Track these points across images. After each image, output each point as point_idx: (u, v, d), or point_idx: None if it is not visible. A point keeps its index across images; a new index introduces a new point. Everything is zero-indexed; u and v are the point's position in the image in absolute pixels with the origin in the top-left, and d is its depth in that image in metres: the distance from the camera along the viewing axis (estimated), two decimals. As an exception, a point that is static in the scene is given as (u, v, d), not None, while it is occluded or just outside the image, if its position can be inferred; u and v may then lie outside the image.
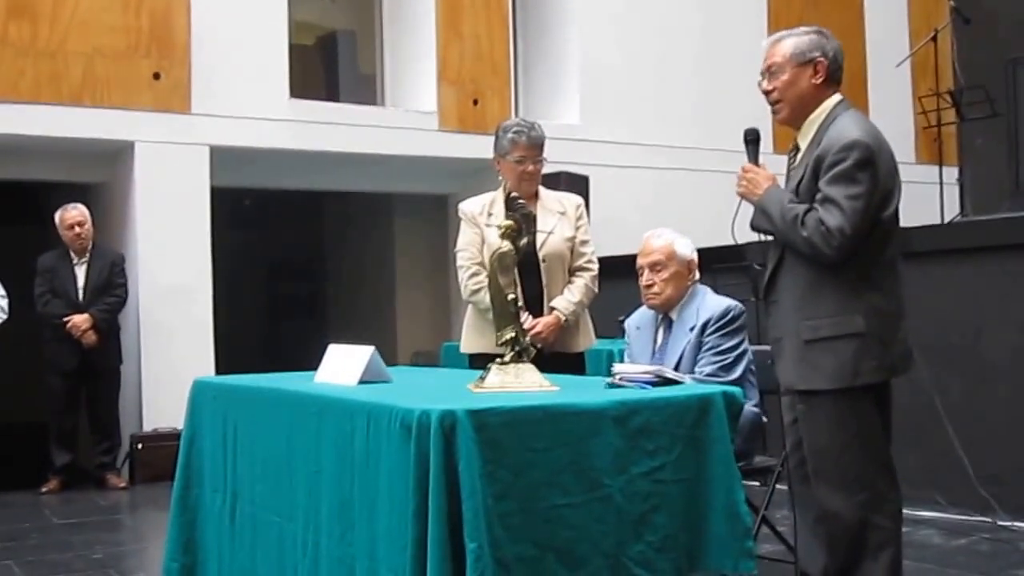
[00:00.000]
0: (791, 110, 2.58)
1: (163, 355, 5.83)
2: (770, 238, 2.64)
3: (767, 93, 2.60)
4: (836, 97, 2.58)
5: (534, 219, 3.31)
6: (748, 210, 2.63)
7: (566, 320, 3.34)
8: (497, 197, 3.40)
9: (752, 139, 2.67)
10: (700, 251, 3.28)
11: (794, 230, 2.45)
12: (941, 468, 4.27)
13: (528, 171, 3.36)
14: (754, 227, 2.60)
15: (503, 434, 1.97)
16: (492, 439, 1.95)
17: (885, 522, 2.52)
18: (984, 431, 4.21)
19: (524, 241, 2.40)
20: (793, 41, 2.58)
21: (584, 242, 3.46)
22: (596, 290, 3.46)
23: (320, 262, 9.45)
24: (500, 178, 3.43)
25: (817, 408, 2.52)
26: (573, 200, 3.52)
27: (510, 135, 3.37)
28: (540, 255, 3.34)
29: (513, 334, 2.34)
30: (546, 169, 3.53)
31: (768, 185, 2.57)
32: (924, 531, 4.00)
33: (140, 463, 5.72)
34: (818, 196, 2.46)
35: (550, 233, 3.36)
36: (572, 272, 3.43)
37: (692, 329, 3.13)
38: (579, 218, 3.45)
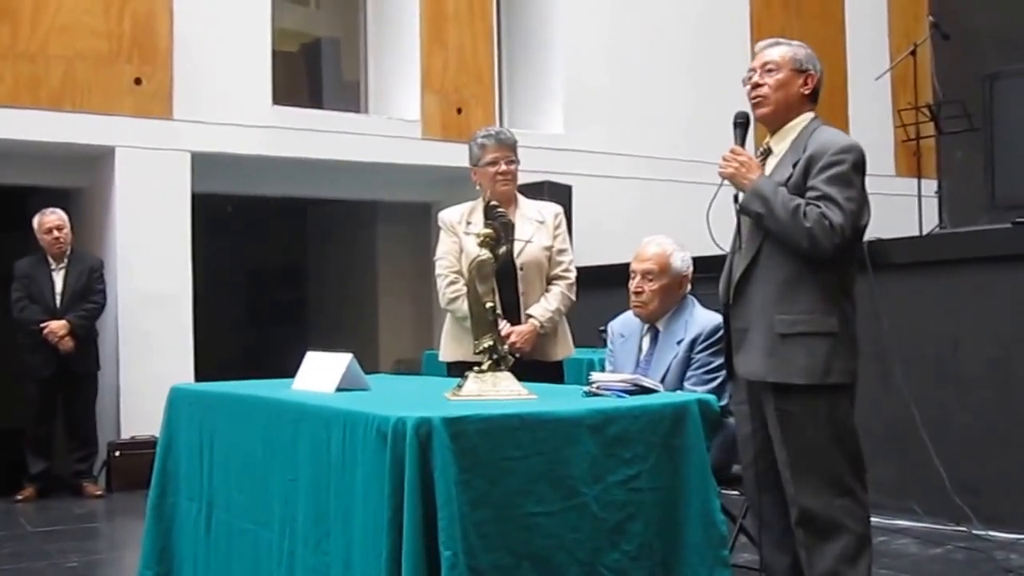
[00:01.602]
0: (774, 108, 2.63)
1: (142, 362, 5.78)
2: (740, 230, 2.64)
3: (757, 87, 2.63)
4: (812, 113, 2.67)
5: (512, 227, 3.32)
6: (725, 196, 2.63)
7: (542, 328, 3.35)
8: (476, 206, 3.41)
9: (742, 122, 2.69)
10: (684, 261, 3.27)
11: (796, 220, 2.46)
12: (917, 478, 4.30)
13: (502, 171, 3.38)
14: (743, 210, 2.59)
15: (479, 442, 1.97)
16: (468, 447, 1.95)
17: (860, 528, 2.55)
18: (960, 441, 4.24)
19: (502, 250, 2.40)
20: (791, 49, 2.66)
21: (562, 251, 3.47)
22: (573, 298, 3.47)
23: (302, 269, 9.42)
24: (478, 188, 3.45)
25: (794, 407, 2.53)
26: (552, 209, 3.54)
27: (479, 141, 3.42)
28: (518, 263, 3.35)
29: (491, 342, 2.35)
30: (529, 178, 3.55)
31: (760, 171, 2.58)
32: (900, 540, 4.02)
33: (117, 471, 5.67)
34: (813, 194, 2.49)
35: (528, 242, 3.37)
36: (549, 281, 3.44)
37: (680, 343, 3.12)
38: (557, 227, 3.47)
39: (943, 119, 6.08)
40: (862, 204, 2.51)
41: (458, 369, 3.01)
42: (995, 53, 6.57)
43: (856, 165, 2.51)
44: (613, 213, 6.97)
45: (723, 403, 2.86)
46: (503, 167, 3.39)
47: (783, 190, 2.51)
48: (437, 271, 3.45)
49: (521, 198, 3.52)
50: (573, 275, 3.48)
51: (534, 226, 3.43)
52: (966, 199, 6.24)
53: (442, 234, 3.49)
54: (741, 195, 2.59)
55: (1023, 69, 5.05)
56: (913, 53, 6.46)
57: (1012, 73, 5.07)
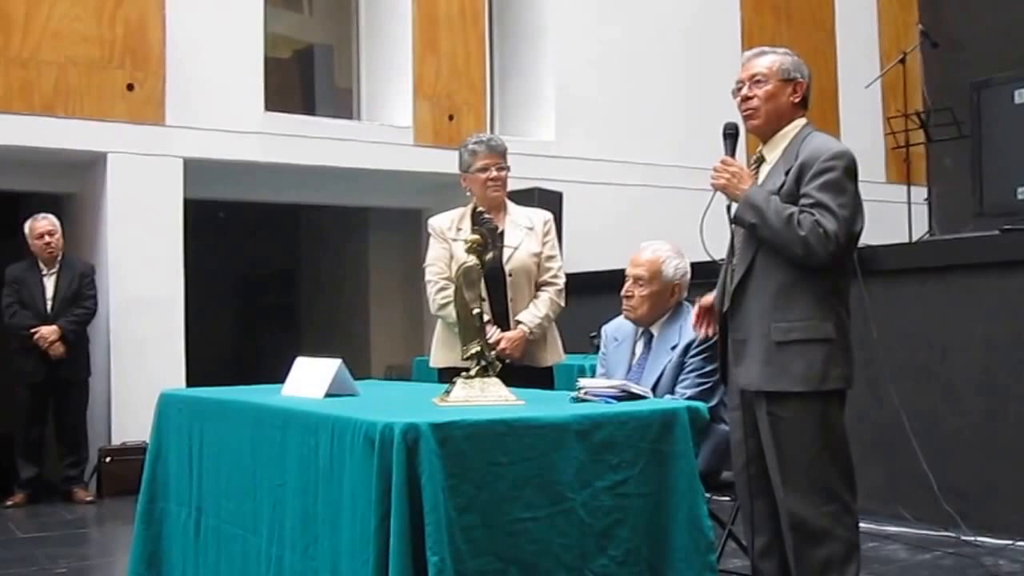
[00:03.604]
0: (766, 120, 2.63)
1: (133, 368, 5.77)
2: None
3: (747, 99, 2.63)
4: (804, 119, 2.67)
5: (501, 234, 3.34)
6: (718, 207, 2.63)
7: (532, 334, 3.37)
8: (466, 213, 3.43)
9: (731, 133, 2.68)
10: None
11: (790, 228, 2.47)
12: (906, 483, 4.32)
13: (493, 177, 3.41)
14: (737, 220, 2.59)
15: (466, 448, 1.98)
16: (455, 453, 1.96)
17: (848, 534, 2.56)
18: (949, 447, 4.26)
19: (490, 256, 2.41)
20: (778, 58, 2.65)
21: (551, 257, 3.49)
22: (562, 304, 3.49)
23: (294, 275, 9.42)
24: (469, 194, 3.47)
25: (787, 412, 2.53)
26: (541, 216, 3.56)
27: (470, 147, 3.45)
28: (507, 270, 3.37)
29: (478, 348, 2.35)
30: (520, 185, 3.57)
31: (752, 181, 2.58)
32: (889, 546, 4.04)
33: (108, 476, 5.66)
34: (806, 200, 2.49)
35: (516, 248, 3.39)
36: (538, 287, 3.46)
37: (674, 348, 3.13)
38: (546, 233, 3.49)
39: (932, 127, 6.13)
40: (856, 210, 2.51)
41: (449, 375, 3.02)
42: (983, 61, 6.62)
43: (848, 170, 2.51)
44: (603, 219, 6.99)
45: (712, 404, 2.89)
46: (493, 173, 3.41)
47: (776, 199, 2.52)
48: (427, 277, 3.47)
49: (511, 204, 3.54)
50: (562, 281, 3.50)
51: (523, 232, 3.45)
52: (955, 206, 6.27)
53: (432, 240, 3.51)
54: (734, 206, 2.59)
55: (1011, 77, 5.07)
56: (903, 61, 6.50)
57: (1000, 81, 5.10)
